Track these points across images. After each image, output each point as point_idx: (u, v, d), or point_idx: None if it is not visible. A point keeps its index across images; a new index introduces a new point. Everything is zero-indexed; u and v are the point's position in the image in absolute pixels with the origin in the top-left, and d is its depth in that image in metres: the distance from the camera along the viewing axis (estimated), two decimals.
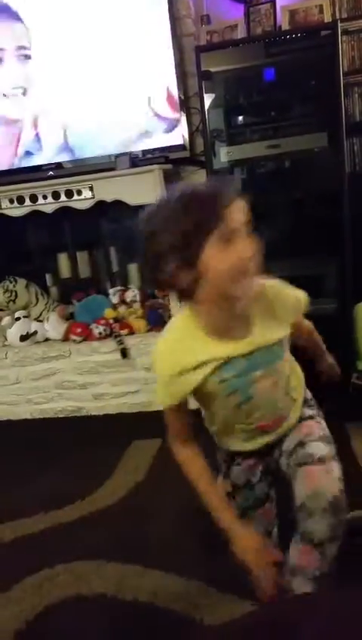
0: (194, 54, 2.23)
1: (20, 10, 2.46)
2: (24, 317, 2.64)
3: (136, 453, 2.06)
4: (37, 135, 2.57)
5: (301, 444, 1.01)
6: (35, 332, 2.60)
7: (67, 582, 1.40)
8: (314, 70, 2.15)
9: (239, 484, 1.10)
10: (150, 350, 2.35)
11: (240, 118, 2.27)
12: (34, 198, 2.44)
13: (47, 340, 2.61)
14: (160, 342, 0.98)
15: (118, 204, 2.37)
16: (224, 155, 2.23)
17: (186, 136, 2.45)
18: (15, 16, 2.47)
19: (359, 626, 0.68)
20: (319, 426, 1.04)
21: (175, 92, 2.37)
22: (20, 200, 2.46)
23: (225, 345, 0.92)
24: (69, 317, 2.65)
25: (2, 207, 2.48)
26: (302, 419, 1.05)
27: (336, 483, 0.93)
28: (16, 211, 2.48)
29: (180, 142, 2.43)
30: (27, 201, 2.45)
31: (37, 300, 2.71)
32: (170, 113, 2.41)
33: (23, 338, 2.58)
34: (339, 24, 2.07)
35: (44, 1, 2.43)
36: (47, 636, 1.25)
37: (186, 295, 0.90)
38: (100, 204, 2.42)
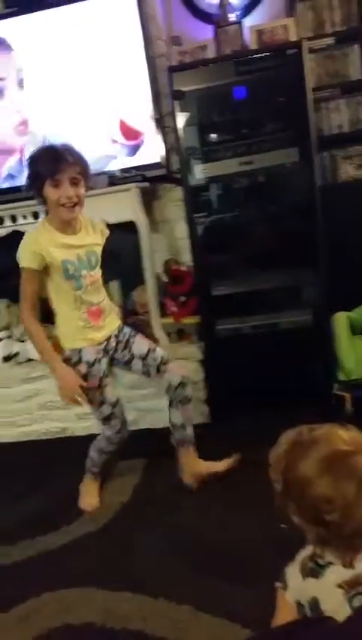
0: (166, 74, 2.27)
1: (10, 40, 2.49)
2: (7, 338, 2.61)
3: (121, 474, 2.04)
4: (21, 160, 2.58)
5: (149, 351, 1.76)
6: (17, 353, 2.57)
7: (55, 612, 1.38)
8: (283, 87, 2.20)
9: (91, 360, 1.68)
10: None
11: (214, 135, 2.30)
12: (14, 219, 2.45)
13: (29, 360, 2.58)
14: (27, 234, 1.64)
15: None
16: (199, 172, 2.25)
17: (164, 154, 2.47)
18: (9, 47, 2.49)
19: None
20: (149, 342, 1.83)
21: (132, 119, 2.42)
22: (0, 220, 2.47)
23: (65, 237, 1.63)
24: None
25: None
26: (132, 336, 1.79)
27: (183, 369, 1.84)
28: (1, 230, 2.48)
29: (157, 160, 2.45)
30: (7, 222, 2.45)
31: (19, 320, 2.68)
32: (125, 140, 2.46)
33: (6, 359, 2.55)
34: (305, 42, 2.13)
35: (30, 30, 2.45)
36: None
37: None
38: None
